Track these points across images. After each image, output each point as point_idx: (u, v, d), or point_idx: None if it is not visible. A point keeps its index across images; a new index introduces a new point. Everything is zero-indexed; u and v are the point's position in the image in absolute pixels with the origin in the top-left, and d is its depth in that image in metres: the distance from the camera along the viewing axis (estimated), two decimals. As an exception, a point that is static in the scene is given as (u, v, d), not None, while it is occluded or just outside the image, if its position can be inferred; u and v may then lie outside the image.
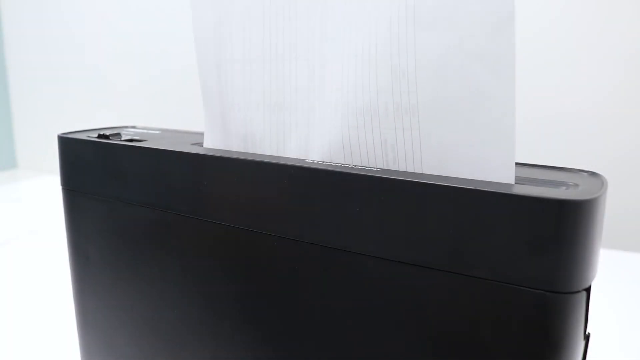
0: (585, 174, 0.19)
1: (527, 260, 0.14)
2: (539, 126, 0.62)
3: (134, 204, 0.23)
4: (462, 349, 0.16)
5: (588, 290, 0.15)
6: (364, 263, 0.17)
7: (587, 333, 0.16)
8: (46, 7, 0.95)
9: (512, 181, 0.17)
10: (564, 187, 0.17)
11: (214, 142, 0.23)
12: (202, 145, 0.24)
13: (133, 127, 0.29)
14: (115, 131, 0.27)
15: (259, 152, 0.22)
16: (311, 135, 0.21)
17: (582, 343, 0.16)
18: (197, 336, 0.22)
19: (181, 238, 0.22)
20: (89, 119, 0.94)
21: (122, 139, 0.25)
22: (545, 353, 0.15)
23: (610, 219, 0.54)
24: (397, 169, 0.19)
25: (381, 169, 0.18)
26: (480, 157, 0.17)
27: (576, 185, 0.17)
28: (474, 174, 0.17)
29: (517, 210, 0.14)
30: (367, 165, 0.19)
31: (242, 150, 0.23)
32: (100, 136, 0.25)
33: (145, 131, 0.28)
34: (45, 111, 1.00)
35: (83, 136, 0.25)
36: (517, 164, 0.20)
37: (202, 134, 0.27)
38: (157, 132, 0.28)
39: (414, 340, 0.17)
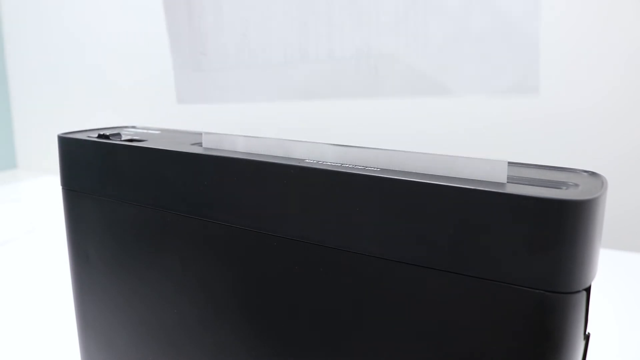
0: (585, 174, 0.19)
1: (527, 260, 0.14)
2: (539, 126, 0.62)
3: (134, 204, 0.23)
4: (462, 349, 0.16)
5: (588, 290, 0.15)
6: (364, 263, 0.17)
7: (587, 333, 0.16)
8: (46, 7, 0.95)
9: (504, 180, 0.17)
10: (564, 187, 0.17)
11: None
12: (201, 145, 0.24)
13: (133, 127, 0.29)
14: (115, 131, 0.27)
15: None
16: None
17: (582, 343, 0.16)
18: (196, 336, 0.22)
19: (181, 238, 0.22)
20: (89, 119, 0.94)
21: (122, 139, 0.25)
22: (545, 353, 0.15)
23: (610, 219, 0.54)
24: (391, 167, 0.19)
25: (381, 169, 0.18)
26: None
27: (576, 185, 0.17)
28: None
29: (517, 210, 0.14)
30: (367, 165, 0.19)
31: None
32: (100, 136, 0.25)
33: (145, 131, 0.28)
34: (45, 111, 1.00)
35: (83, 136, 0.25)
36: (517, 163, 0.20)
37: (202, 134, 0.27)
38: (157, 132, 0.28)
39: (414, 340, 0.17)
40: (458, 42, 0.15)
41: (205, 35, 0.19)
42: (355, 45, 0.16)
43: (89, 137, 0.25)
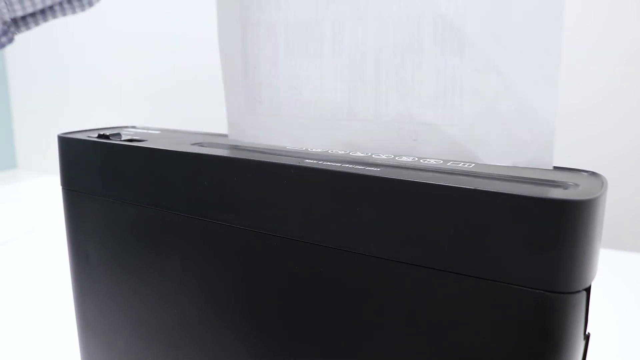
0: (585, 174, 0.19)
1: (527, 260, 0.14)
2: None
3: (134, 204, 0.23)
4: (462, 349, 0.16)
5: (588, 290, 0.15)
6: (364, 263, 0.17)
7: (587, 333, 0.16)
8: (46, 7, 0.95)
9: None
10: (564, 187, 0.17)
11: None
12: (203, 145, 0.24)
13: (133, 127, 0.29)
14: (115, 131, 0.27)
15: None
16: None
17: (582, 343, 0.16)
18: (197, 336, 0.22)
19: (181, 238, 0.22)
20: (89, 119, 0.94)
21: (122, 139, 0.25)
22: (545, 353, 0.15)
23: (610, 219, 0.54)
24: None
25: (381, 168, 0.18)
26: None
27: (576, 185, 0.17)
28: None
29: (517, 210, 0.14)
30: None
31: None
32: (100, 136, 0.25)
33: (145, 131, 0.28)
34: (45, 111, 1.00)
35: (83, 136, 0.25)
36: (517, 164, 0.20)
37: (202, 134, 0.27)
38: (157, 132, 0.28)
39: (414, 340, 0.17)
40: (487, 120, 0.17)
41: (260, 85, 0.21)
42: (399, 111, 0.18)
43: (89, 137, 0.25)
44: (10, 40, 0.20)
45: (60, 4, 0.20)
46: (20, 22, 0.20)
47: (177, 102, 0.85)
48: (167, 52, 0.84)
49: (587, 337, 0.16)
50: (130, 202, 0.23)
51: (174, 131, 0.28)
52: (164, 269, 0.23)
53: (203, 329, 0.22)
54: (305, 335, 0.19)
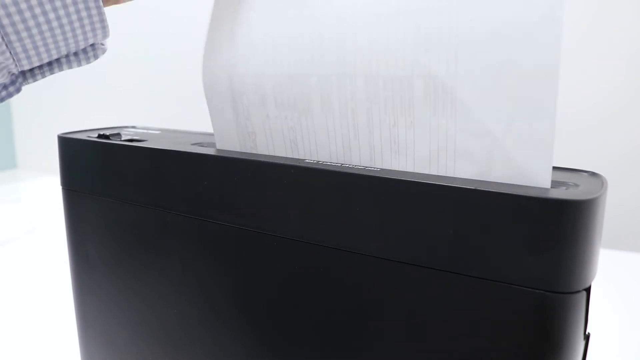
0: (585, 174, 0.19)
1: (527, 260, 0.14)
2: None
3: (134, 204, 0.23)
4: (462, 348, 0.16)
5: (588, 290, 0.15)
6: (364, 263, 0.17)
7: (587, 333, 0.16)
8: (46, 7, 0.95)
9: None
10: (564, 187, 0.17)
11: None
12: (203, 146, 0.24)
13: (133, 127, 0.29)
14: (115, 131, 0.27)
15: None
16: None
17: (582, 343, 0.16)
18: (196, 335, 0.22)
19: (181, 238, 0.22)
20: (89, 119, 0.94)
21: (122, 139, 0.25)
22: (545, 353, 0.15)
23: (610, 219, 0.54)
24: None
25: (381, 169, 0.18)
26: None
27: (576, 185, 0.17)
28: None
29: (517, 210, 0.14)
30: (368, 166, 0.19)
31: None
32: (100, 136, 0.25)
33: (145, 131, 0.28)
34: (45, 111, 1.00)
35: (83, 136, 0.25)
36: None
37: (202, 134, 0.27)
38: (157, 132, 0.28)
39: (414, 340, 0.17)
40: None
41: (254, 133, 0.21)
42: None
43: (89, 137, 0.25)
44: (18, 90, 0.20)
45: (67, 56, 0.21)
46: (28, 74, 0.20)
47: (177, 102, 0.85)
48: (167, 52, 0.84)
49: (587, 337, 0.16)
50: (130, 202, 0.23)
51: (174, 131, 0.28)
52: (164, 269, 0.23)
53: (203, 329, 0.22)
54: (305, 335, 0.19)
